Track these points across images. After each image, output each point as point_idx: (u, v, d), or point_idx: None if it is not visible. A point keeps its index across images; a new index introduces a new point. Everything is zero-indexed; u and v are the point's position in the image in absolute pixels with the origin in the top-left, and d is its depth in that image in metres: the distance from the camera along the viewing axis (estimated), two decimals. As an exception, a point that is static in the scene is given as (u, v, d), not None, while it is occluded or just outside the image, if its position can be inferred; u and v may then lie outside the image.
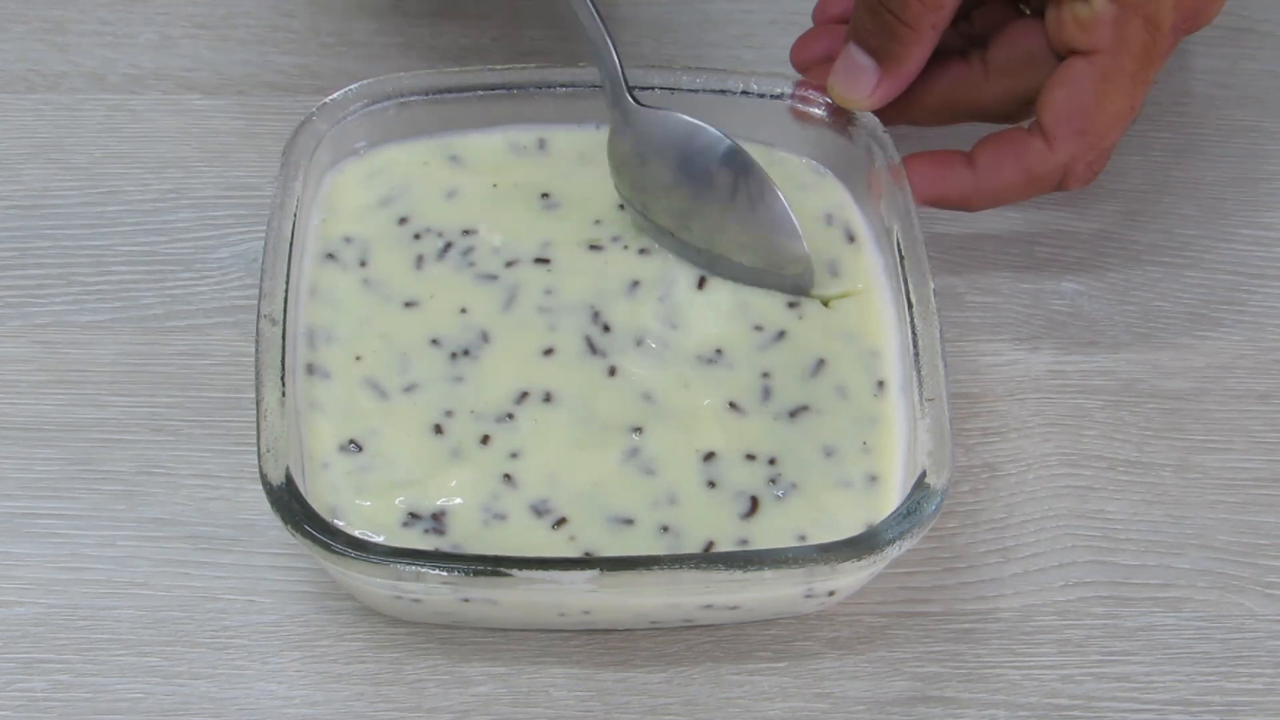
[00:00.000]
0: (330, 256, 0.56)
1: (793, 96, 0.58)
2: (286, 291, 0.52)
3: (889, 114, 0.58)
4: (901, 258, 0.54)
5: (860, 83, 0.56)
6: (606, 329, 0.55)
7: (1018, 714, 0.52)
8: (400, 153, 0.59)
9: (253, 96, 0.66)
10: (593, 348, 0.55)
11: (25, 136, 0.64)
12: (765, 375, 0.54)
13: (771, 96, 0.58)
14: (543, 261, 0.57)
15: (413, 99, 0.58)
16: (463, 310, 0.55)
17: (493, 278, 0.56)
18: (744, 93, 0.58)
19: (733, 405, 0.54)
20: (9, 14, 0.68)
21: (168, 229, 0.62)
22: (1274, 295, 0.62)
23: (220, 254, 0.61)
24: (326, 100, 0.57)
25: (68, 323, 0.59)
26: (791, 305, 0.56)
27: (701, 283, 0.57)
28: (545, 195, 0.58)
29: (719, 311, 0.56)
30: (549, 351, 0.54)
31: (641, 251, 0.57)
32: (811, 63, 0.59)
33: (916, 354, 0.52)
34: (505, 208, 0.58)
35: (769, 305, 0.56)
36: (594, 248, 0.57)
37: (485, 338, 0.55)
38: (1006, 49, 0.57)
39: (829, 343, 0.55)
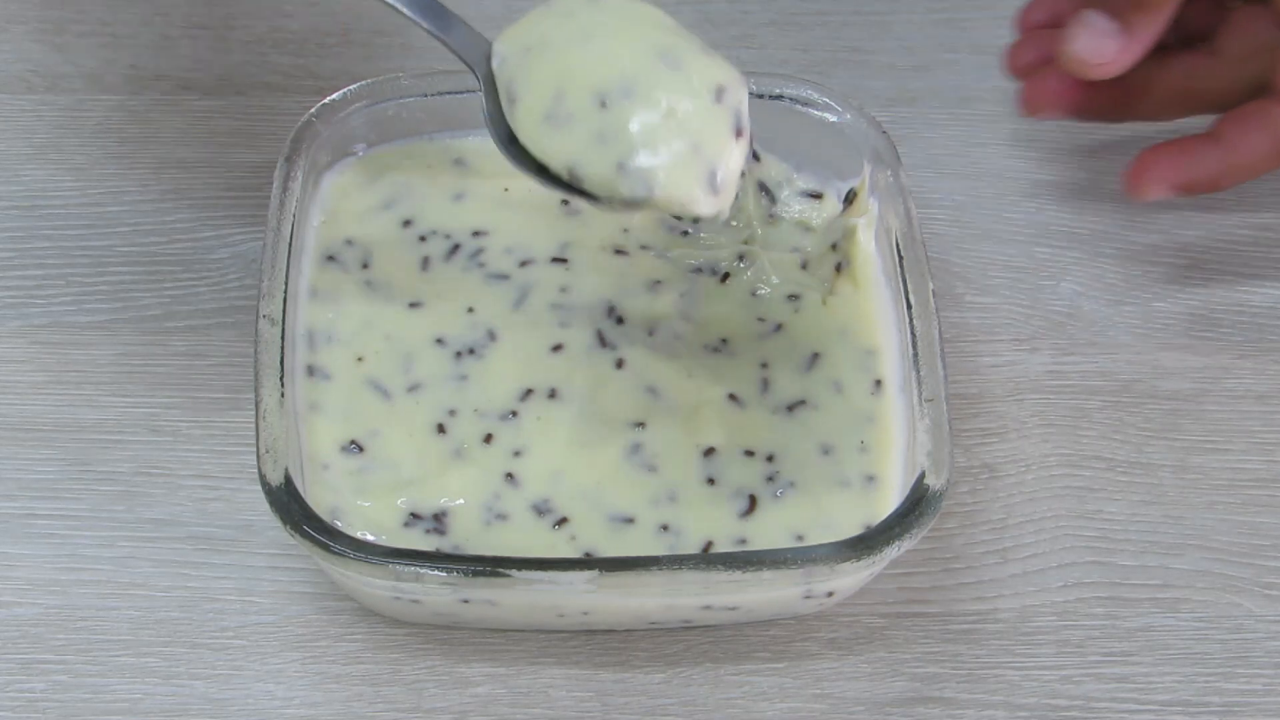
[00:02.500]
0: (331, 258, 0.56)
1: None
2: (286, 292, 0.52)
3: (1120, 109, 0.60)
4: (901, 258, 0.54)
5: (1104, 46, 0.56)
6: (620, 321, 0.55)
7: (1017, 714, 0.52)
8: (401, 154, 0.59)
9: (252, 97, 0.66)
10: (603, 341, 0.55)
11: (25, 137, 0.64)
12: (764, 365, 0.54)
13: (771, 97, 0.58)
14: (560, 261, 0.57)
15: (412, 99, 0.58)
16: (470, 310, 0.55)
17: (504, 277, 0.56)
18: (743, 93, 0.58)
19: (733, 397, 0.54)
20: (8, 14, 0.68)
21: (167, 229, 0.62)
22: (1273, 296, 0.62)
23: (219, 254, 0.61)
24: (326, 101, 0.57)
25: (67, 323, 0.59)
26: (791, 298, 0.56)
27: (725, 278, 0.57)
28: (565, 202, 0.58)
29: (734, 303, 0.56)
30: (558, 347, 0.55)
31: (669, 257, 0.57)
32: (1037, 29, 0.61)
33: (915, 354, 0.52)
34: (520, 212, 0.58)
35: (773, 297, 0.56)
36: (619, 252, 0.57)
37: (492, 336, 0.55)
38: (1238, 37, 0.59)
39: (824, 338, 0.55)
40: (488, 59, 0.53)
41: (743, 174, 0.52)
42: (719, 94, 0.51)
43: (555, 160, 0.51)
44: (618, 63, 0.51)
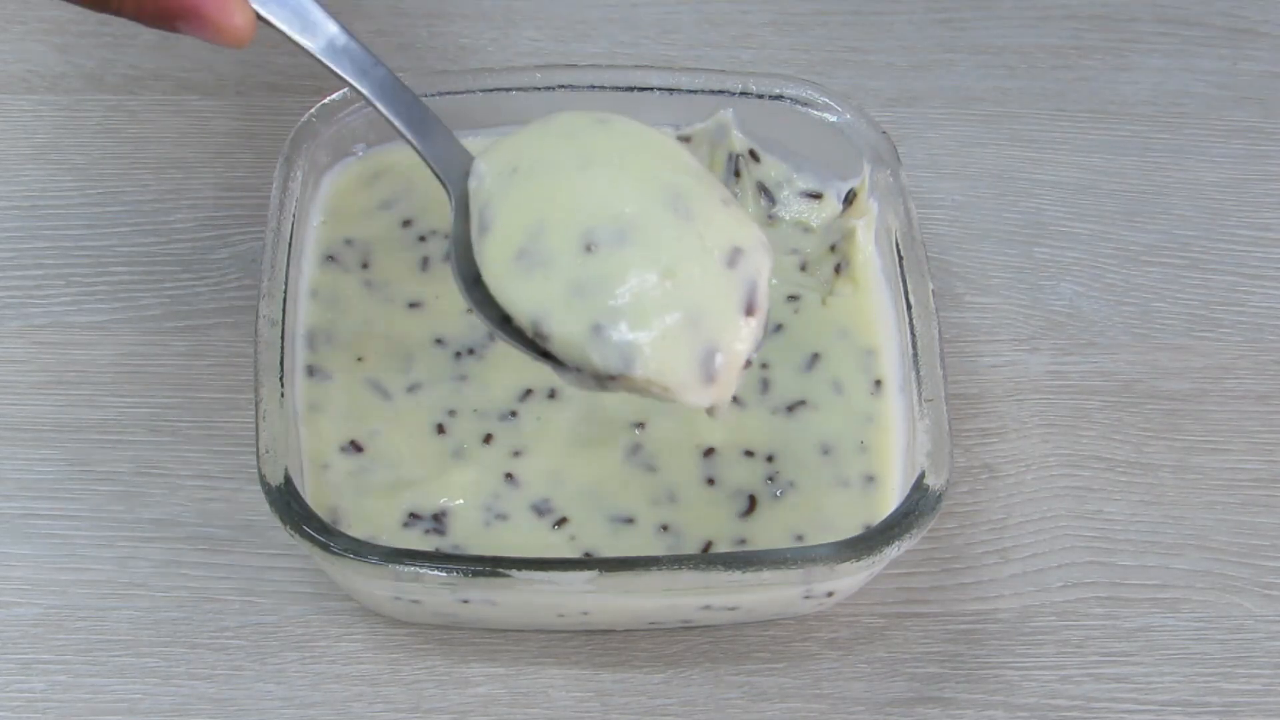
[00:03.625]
0: (331, 259, 0.56)
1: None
2: (285, 292, 0.52)
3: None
4: (900, 258, 0.54)
5: None
6: None
7: (1016, 714, 0.52)
8: (400, 155, 0.59)
9: (251, 97, 0.66)
10: None
11: (24, 137, 0.64)
12: (764, 366, 0.54)
13: (771, 97, 0.58)
14: None
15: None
16: (469, 310, 0.55)
17: None
18: (743, 93, 0.58)
19: (733, 397, 0.54)
20: (8, 14, 0.68)
21: (166, 230, 0.62)
22: (1273, 296, 0.62)
23: (219, 255, 0.61)
24: (325, 101, 0.57)
25: (66, 323, 0.59)
26: (790, 299, 0.56)
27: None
28: None
29: None
30: None
31: None
32: None
33: (915, 354, 0.52)
34: None
35: (773, 298, 0.56)
36: None
37: (492, 336, 0.55)
38: None
39: (824, 338, 0.55)
40: (465, 176, 0.48)
41: (748, 363, 0.45)
42: (733, 258, 0.44)
43: (520, 309, 0.44)
44: (616, 199, 0.44)
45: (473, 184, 0.47)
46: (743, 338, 0.44)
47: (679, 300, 0.43)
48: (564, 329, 0.44)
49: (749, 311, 0.44)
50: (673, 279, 0.43)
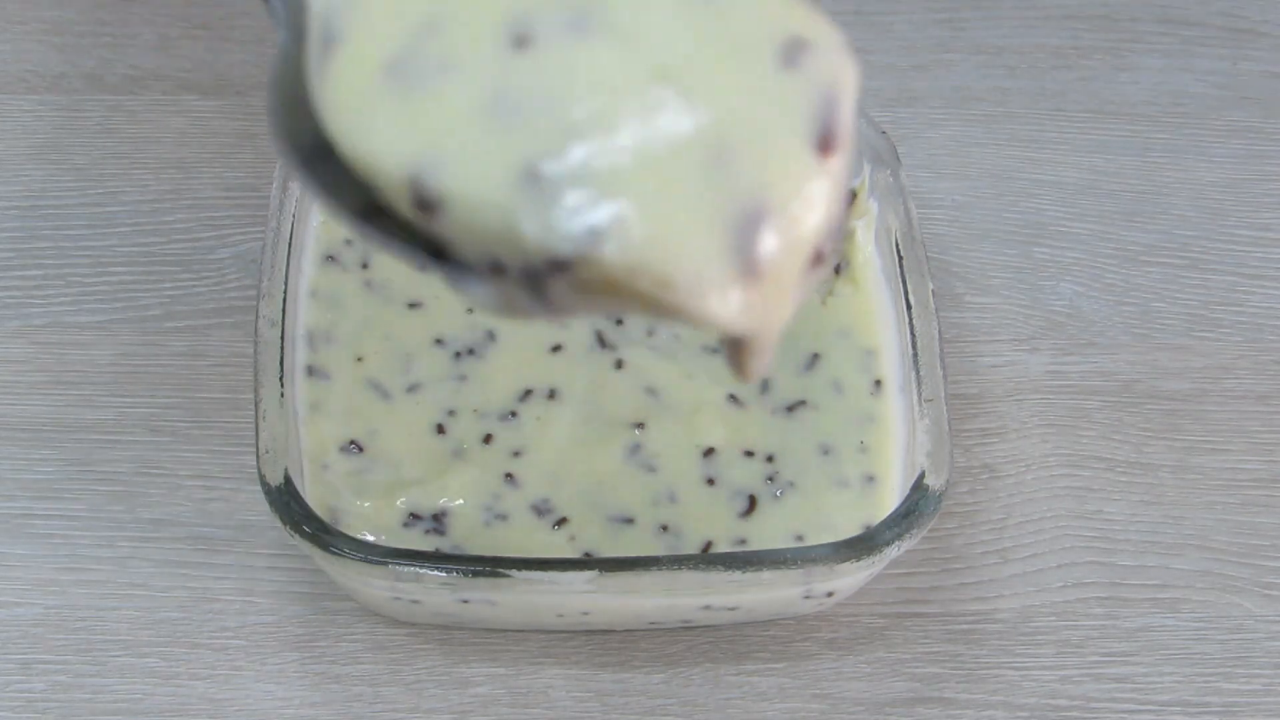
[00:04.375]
0: (331, 259, 0.56)
1: None
2: (285, 292, 0.52)
3: None
4: (900, 258, 0.54)
5: None
6: (620, 322, 0.55)
7: (1016, 715, 0.52)
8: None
9: (252, 97, 0.66)
10: (602, 342, 0.55)
11: (24, 137, 0.64)
12: None
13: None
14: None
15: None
16: (469, 310, 0.55)
17: None
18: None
19: (732, 398, 0.54)
20: (8, 15, 0.68)
21: (166, 230, 0.62)
22: (1272, 296, 0.62)
23: (219, 255, 0.61)
24: (325, 101, 0.57)
25: (66, 323, 0.59)
26: None
27: None
28: None
29: None
30: (557, 348, 0.54)
31: None
32: None
33: (915, 354, 0.52)
34: None
35: None
36: None
37: (492, 336, 0.55)
38: None
39: (824, 338, 0.55)
40: None
41: (819, 256, 0.27)
42: (790, 52, 0.27)
43: (385, 156, 0.27)
44: None
45: None
46: (811, 195, 0.26)
47: (687, 118, 0.26)
48: (467, 184, 0.26)
49: (824, 146, 0.27)
50: (674, 83, 0.26)
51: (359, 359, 0.54)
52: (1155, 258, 0.63)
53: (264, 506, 0.48)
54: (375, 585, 0.49)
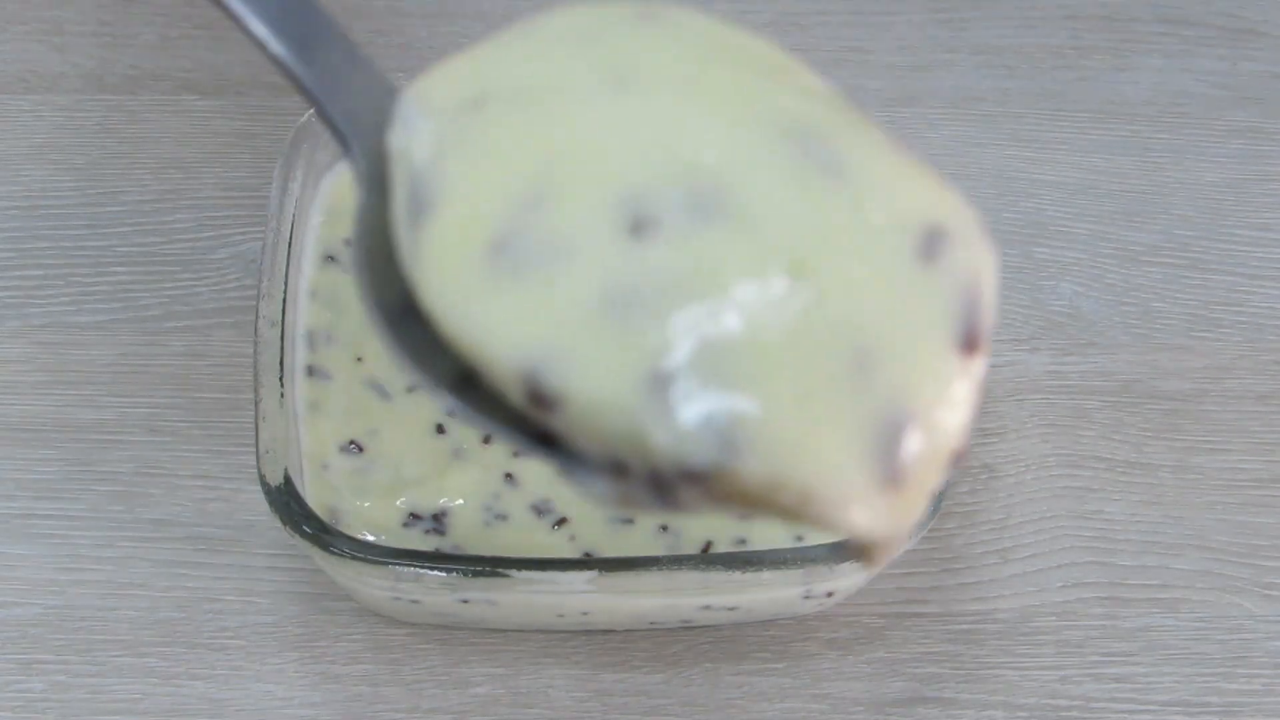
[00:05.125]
0: (331, 258, 0.56)
1: None
2: (285, 293, 0.52)
3: None
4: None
5: None
6: None
7: (1016, 715, 0.52)
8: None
9: (251, 97, 0.66)
10: None
11: (24, 137, 0.64)
12: None
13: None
14: None
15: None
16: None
17: None
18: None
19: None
20: (7, 15, 0.68)
21: (166, 230, 0.62)
22: (1272, 296, 0.62)
23: (219, 255, 0.61)
24: (325, 101, 0.57)
25: (66, 323, 0.59)
26: None
27: None
28: None
29: None
30: None
31: None
32: None
33: (915, 355, 0.52)
34: None
35: None
36: None
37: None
38: None
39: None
40: (382, 123, 0.29)
41: (959, 453, 0.26)
42: (930, 244, 0.26)
43: (496, 348, 0.25)
44: (687, 138, 0.24)
45: (397, 135, 0.28)
46: (955, 399, 0.25)
47: (826, 322, 0.24)
48: (589, 384, 0.24)
49: (968, 347, 0.26)
50: (811, 280, 0.24)
51: (359, 359, 0.54)
52: (1155, 258, 0.63)
53: (264, 506, 0.48)
54: (375, 585, 0.49)
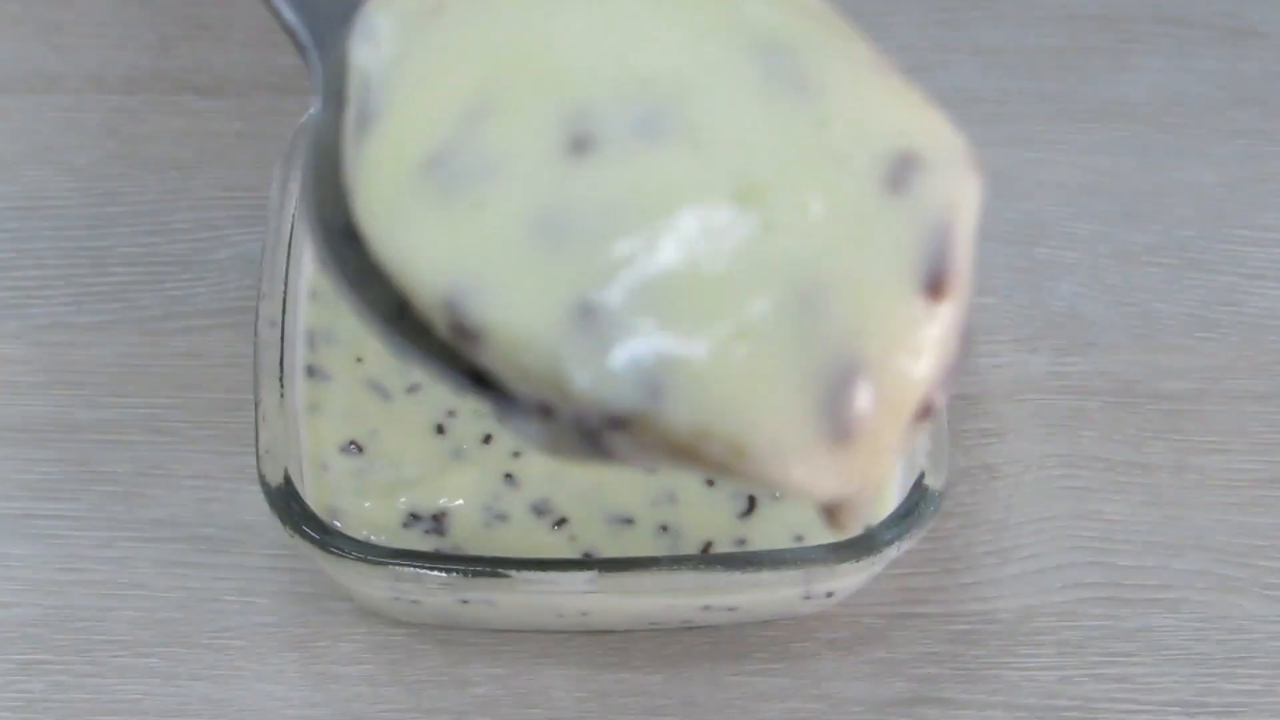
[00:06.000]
0: (329, 257, 0.56)
1: None
2: (285, 293, 0.52)
3: None
4: (900, 259, 0.54)
5: None
6: None
7: (1016, 715, 0.52)
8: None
9: (252, 98, 0.66)
10: None
11: (24, 137, 0.64)
12: None
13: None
14: None
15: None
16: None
17: None
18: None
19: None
20: (7, 15, 0.68)
21: (166, 230, 0.62)
22: (1273, 296, 0.62)
23: (219, 255, 0.61)
24: (325, 101, 0.57)
25: (66, 324, 0.59)
26: None
27: None
28: None
29: None
30: None
31: None
32: None
33: (915, 355, 0.52)
34: None
35: None
36: None
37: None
38: None
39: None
40: (343, 29, 0.27)
41: (926, 410, 0.24)
42: (898, 171, 0.25)
43: (420, 269, 0.24)
44: (640, 45, 0.23)
45: (357, 43, 0.26)
46: (917, 346, 0.23)
47: (773, 256, 0.22)
48: (509, 316, 0.23)
49: (933, 289, 0.24)
50: (761, 207, 0.22)
51: (359, 359, 0.54)
52: (1155, 258, 0.63)
53: (264, 506, 0.48)
54: (375, 585, 0.49)
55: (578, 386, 0.22)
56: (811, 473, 0.23)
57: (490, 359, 0.24)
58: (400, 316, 0.25)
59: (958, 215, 0.26)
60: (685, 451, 0.23)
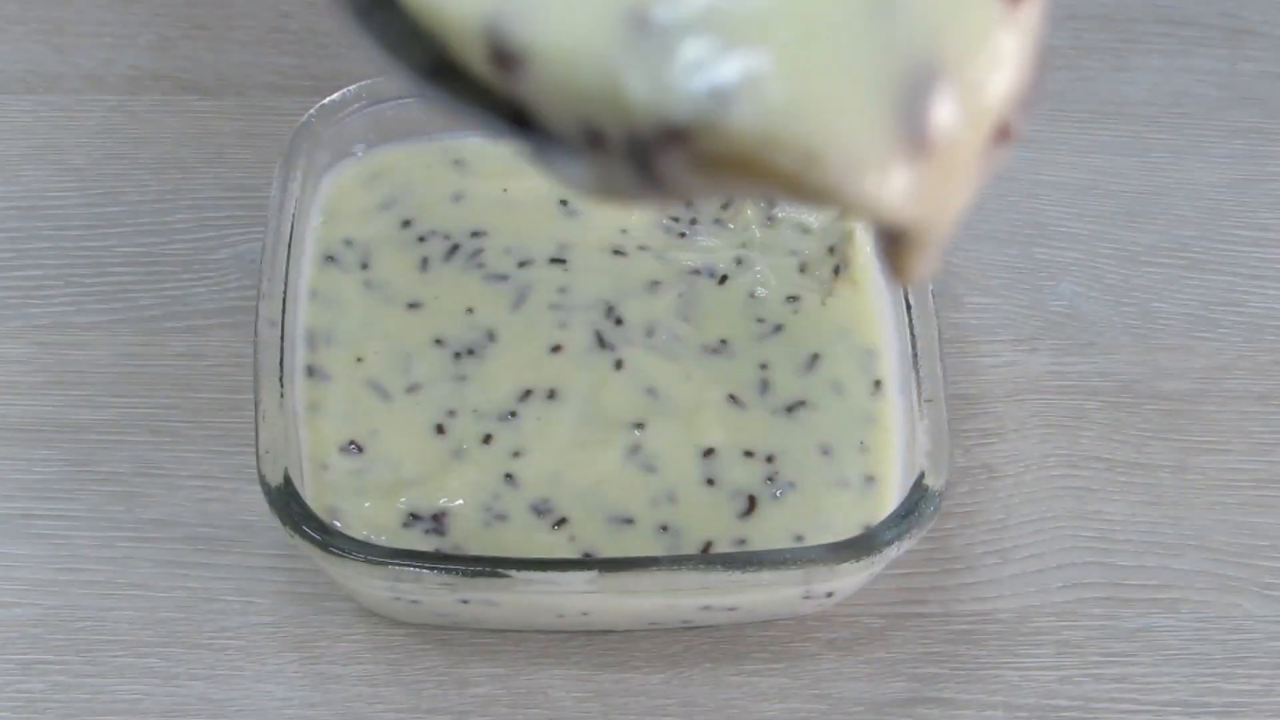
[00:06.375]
0: (330, 259, 0.56)
1: None
2: (285, 293, 0.52)
3: None
4: (900, 259, 0.54)
5: None
6: (619, 322, 0.55)
7: (1016, 715, 0.52)
8: (400, 155, 0.59)
9: (251, 98, 0.66)
10: (602, 342, 0.55)
11: (24, 138, 0.64)
12: (764, 367, 0.54)
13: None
14: (559, 262, 0.57)
15: (411, 100, 0.58)
16: (469, 310, 0.55)
17: (503, 278, 0.56)
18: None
19: (733, 398, 0.54)
20: (7, 15, 0.68)
21: (166, 230, 0.62)
22: (1272, 296, 0.62)
23: (218, 255, 0.61)
24: (325, 101, 0.57)
25: (66, 323, 0.59)
26: (790, 299, 0.56)
27: (723, 280, 0.56)
28: (564, 202, 0.58)
29: (733, 304, 0.56)
30: (557, 348, 0.54)
31: (667, 258, 0.57)
32: None
33: (915, 355, 0.52)
34: (519, 212, 0.58)
35: (772, 299, 0.56)
36: (617, 252, 0.57)
37: (491, 336, 0.55)
38: None
39: (823, 338, 0.55)
40: None
41: (1006, 130, 0.22)
42: None
43: (460, 5, 0.23)
44: None
45: None
46: (997, 52, 0.21)
47: None
48: (556, 31, 0.21)
49: None
50: None
51: (359, 359, 0.54)
52: (1155, 258, 0.63)
53: (264, 506, 0.48)
54: (375, 585, 0.49)
55: (635, 96, 0.21)
56: (885, 187, 0.21)
57: (535, 86, 0.22)
58: (436, 71, 0.24)
59: None
60: (749, 166, 0.21)
